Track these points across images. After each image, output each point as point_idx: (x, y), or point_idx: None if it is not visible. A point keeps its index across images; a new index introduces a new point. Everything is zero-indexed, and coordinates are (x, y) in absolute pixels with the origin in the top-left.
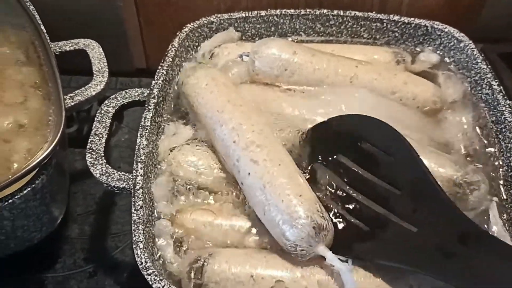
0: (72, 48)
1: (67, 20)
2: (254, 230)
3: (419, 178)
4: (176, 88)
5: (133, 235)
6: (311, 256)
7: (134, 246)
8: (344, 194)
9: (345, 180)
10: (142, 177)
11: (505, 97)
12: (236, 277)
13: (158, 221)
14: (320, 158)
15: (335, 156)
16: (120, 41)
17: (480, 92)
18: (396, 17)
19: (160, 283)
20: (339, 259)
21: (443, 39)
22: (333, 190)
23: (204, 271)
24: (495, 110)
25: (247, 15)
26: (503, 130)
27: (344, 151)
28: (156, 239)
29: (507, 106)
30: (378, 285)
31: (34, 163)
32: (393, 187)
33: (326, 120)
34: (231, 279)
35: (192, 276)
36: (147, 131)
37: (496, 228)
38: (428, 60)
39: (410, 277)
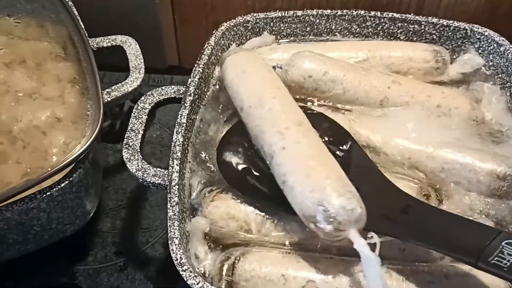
0: (109, 44)
1: (102, 16)
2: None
3: (362, 164)
4: (212, 86)
5: (169, 231)
6: (339, 238)
7: (170, 242)
8: None
9: None
10: (177, 174)
11: None
12: (267, 276)
13: (194, 218)
14: None
15: None
16: (154, 38)
17: None
18: (435, 20)
19: (195, 280)
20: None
21: (482, 43)
22: None
23: (236, 268)
24: None
25: (283, 14)
26: None
27: None
28: (190, 237)
29: None
30: None
31: (73, 157)
32: None
33: None
34: (261, 277)
35: (224, 273)
36: (183, 128)
37: None
38: (471, 62)
39: None
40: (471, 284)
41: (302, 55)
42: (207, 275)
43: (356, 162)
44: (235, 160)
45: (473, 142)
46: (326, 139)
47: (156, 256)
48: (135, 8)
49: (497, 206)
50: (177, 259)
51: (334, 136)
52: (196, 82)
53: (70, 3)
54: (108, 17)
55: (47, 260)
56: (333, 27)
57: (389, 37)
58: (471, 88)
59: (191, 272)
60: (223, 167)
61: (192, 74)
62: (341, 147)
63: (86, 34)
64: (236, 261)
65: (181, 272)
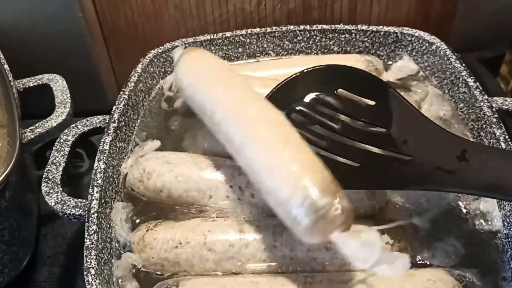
0: (36, 83)
1: (35, 62)
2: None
3: (405, 114)
4: (143, 112)
5: (84, 261)
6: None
7: (85, 272)
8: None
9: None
10: (97, 201)
11: (483, 92)
12: None
13: (124, 254)
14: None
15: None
16: (93, 79)
17: (457, 92)
18: (364, 27)
19: None
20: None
21: (414, 44)
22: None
23: None
24: (473, 107)
25: (212, 37)
26: (484, 126)
27: (320, 102)
28: (118, 274)
29: (485, 101)
30: None
31: None
32: (378, 127)
33: (296, 74)
34: None
35: None
36: (105, 155)
37: None
38: (405, 69)
39: None
40: (417, 279)
41: None
42: None
43: (398, 111)
44: None
45: None
46: (360, 91)
47: None
48: (68, 50)
49: None
50: None
51: (368, 86)
52: (121, 109)
53: None
54: (41, 62)
55: None
56: (265, 46)
57: (322, 49)
58: (412, 90)
59: None
60: None
61: (117, 101)
62: (378, 97)
63: (11, 81)
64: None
65: None
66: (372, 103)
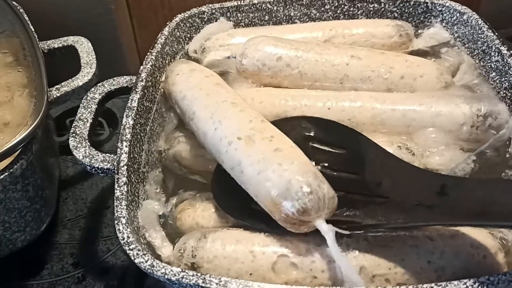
0: (60, 45)
1: (58, 29)
2: None
3: (378, 158)
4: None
5: (115, 211)
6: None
7: (116, 222)
8: None
9: None
10: (127, 155)
11: None
12: (233, 254)
13: (146, 201)
14: None
15: None
16: (114, 47)
17: (489, 61)
18: None
19: (143, 258)
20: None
21: (445, 15)
22: None
23: (197, 250)
24: (506, 75)
25: (239, 3)
26: None
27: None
28: (142, 223)
29: None
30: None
31: (10, 145)
32: (349, 174)
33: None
34: (226, 256)
35: (184, 257)
36: (133, 112)
37: None
38: (437, 36)
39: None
40: (459, 244)
41: (253, 42)
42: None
43: (371, 156)
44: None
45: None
46: (331, 140)
47: (117, 264)
48: (91, 16)
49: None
50: (123, 238)
51: (338, 136)
52: (149, 69)
53: (22, 10)
54: (63, 28)
55: None
56: (292, 14)
57: (350, 20)
58: (442, 57)
59: (139, 250)
60: (221, 199)
61: (144, 62)
62: (349, 146)
63: (37, 41)
64: (197, 242)
65: (128, 251)
66: (343, 151)
